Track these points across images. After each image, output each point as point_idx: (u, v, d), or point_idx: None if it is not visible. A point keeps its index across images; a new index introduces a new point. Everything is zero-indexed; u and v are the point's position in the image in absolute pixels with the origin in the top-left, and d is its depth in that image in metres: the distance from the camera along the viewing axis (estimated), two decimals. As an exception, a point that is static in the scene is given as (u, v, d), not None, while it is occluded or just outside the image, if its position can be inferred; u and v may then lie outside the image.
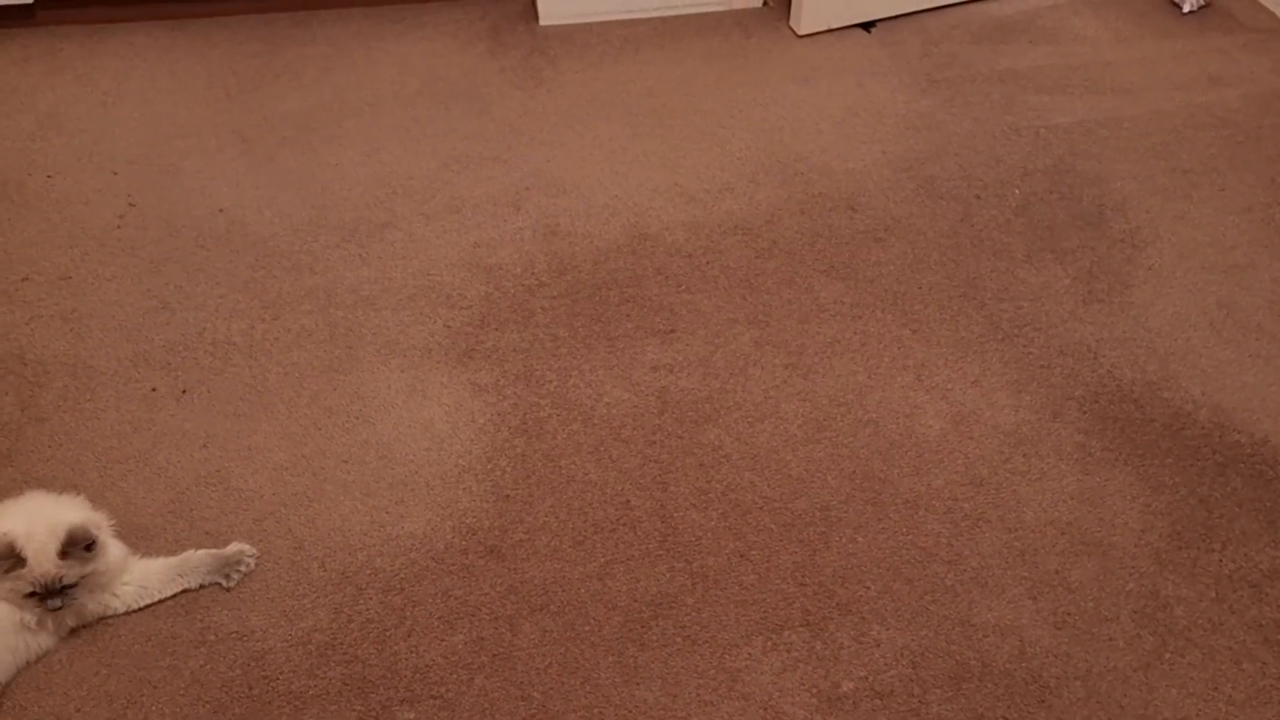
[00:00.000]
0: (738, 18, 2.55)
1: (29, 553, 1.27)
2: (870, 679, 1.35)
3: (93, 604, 1.37)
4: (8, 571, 1.27)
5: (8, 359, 1.71)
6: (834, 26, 2.51)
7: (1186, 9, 2.58)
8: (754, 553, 1.48)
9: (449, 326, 1.78)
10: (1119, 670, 1.36)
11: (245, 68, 2.35)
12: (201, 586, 1.42)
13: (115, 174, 2.07)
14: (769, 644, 1.38)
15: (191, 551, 1.44)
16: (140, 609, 1.40)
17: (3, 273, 1.86)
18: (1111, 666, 1.36)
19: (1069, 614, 1.41)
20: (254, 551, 1.45)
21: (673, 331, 1.78)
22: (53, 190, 2.03)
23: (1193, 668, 1.36)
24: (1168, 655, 1.37)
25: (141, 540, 1.47)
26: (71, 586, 1.30)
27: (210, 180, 2.06)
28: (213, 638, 1.37)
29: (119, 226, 1.96)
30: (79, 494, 1.42)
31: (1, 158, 2.11)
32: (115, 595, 1.38)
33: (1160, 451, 1.61)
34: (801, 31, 2.49)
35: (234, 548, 1.44)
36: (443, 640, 1.38)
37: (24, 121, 2.20)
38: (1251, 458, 1.60)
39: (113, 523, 1.40)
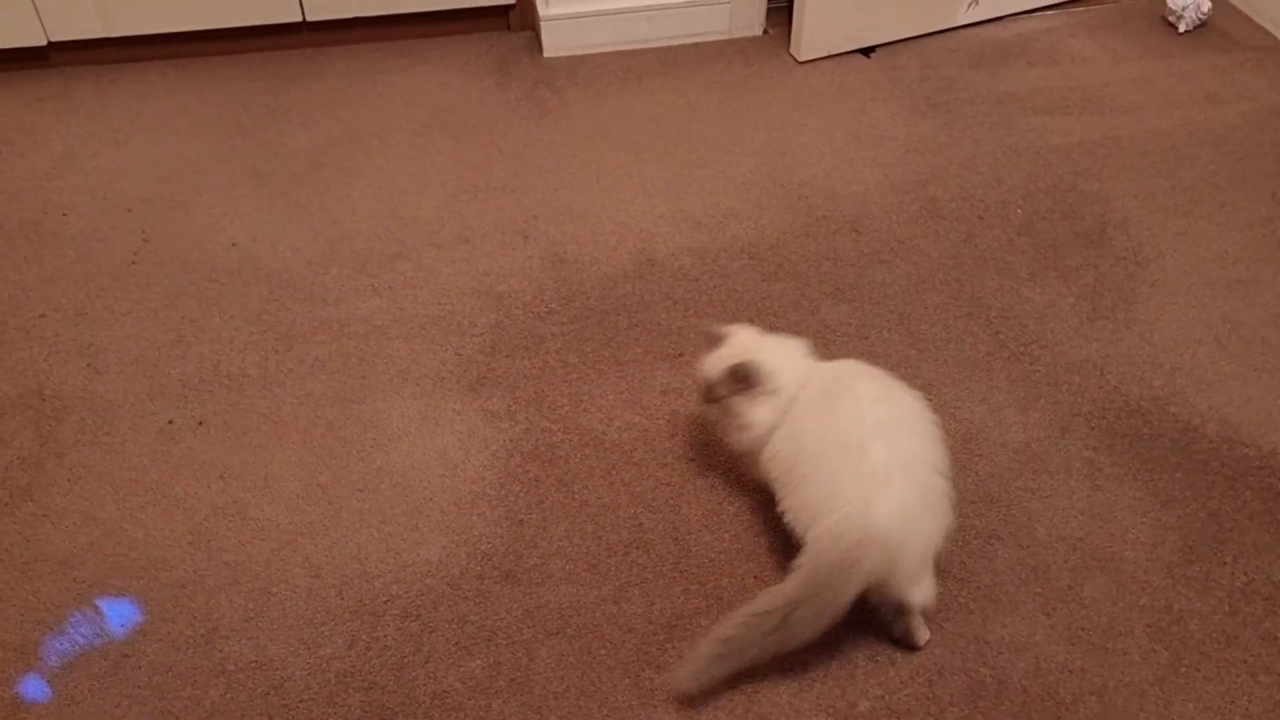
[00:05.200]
0: (739, 46, 2.59)
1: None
2: (887, 698, 1.35)
3: None
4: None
5: (26, 394, 1.74)
6: (834, 52, 2.55)
7: (1182, 29, 2.61)
8: (767, 574, 1.48)
9: (460, 354, 1.80)
10: (1134, 685, 1.36)
11: (256, 104, 2.39)
12: None
13: (129, 211, 2.11)
14: (784, 664, 1.38)
15: None
16: None
17: (20, 309, 1.89)
18: (1126, 681, 1.37)
19: (1083, 629, 1.42)
20: None
21: (681, 355, 1.80)
22: (68, 228, 2.07)
23: (1208, 681, 1.36)
24: (1183, 669, 1.38)
25: (160, 571, 1.49)
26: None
27: (223, 216, 2.10)
28: (232, 667, 1.38)
29: (133, 262, 1.99)
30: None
31: (18, 197, 2.14)
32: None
33: (1169, 466, 1.62)
34: (802, 58, 2.52)
35: None
36: (460, 666, 1.39)
37: (39, 161, 2.23)
38: (1260, 470, 1.61)
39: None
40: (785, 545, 1.51)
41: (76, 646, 1.39)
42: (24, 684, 1.35)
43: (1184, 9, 2.59)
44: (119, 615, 1.43)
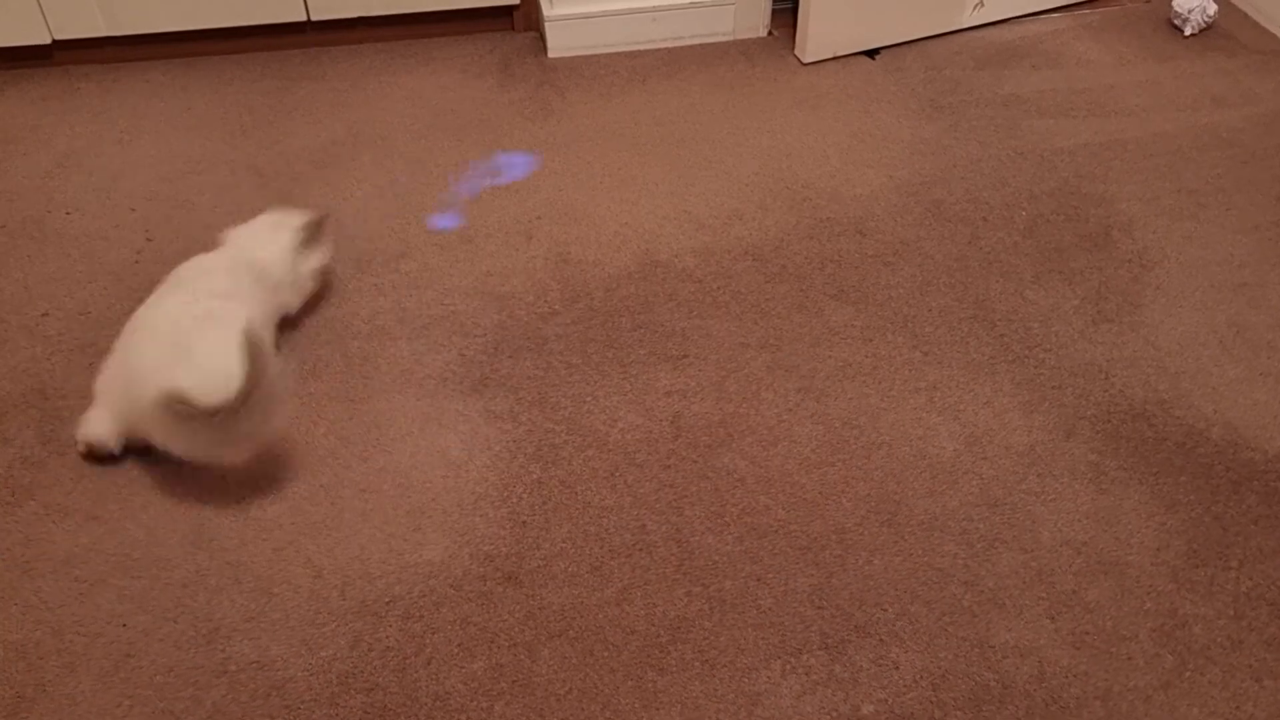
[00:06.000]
0: (743, 47, 2.59)
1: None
2: (890, 702, 1.34)
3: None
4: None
5: (29, 393, 1.74)
6: (838, 54, 2.55)
7: (1188, 32, 2.61)
8: (770, 576, 1.48)
9: (464, 355, 1.80)
10: (1139, 689, 1.36)
11: (259, 104, 2.39)
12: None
13: (132, 210, 2.10)
14: (788, 667, 1.38)
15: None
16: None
17: (23, 308, 1.89)
18: (1131, 686, 1.36)
19: (1087, 634, 1.41)
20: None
21: (685, 357, 1.80)
22: (71, 227, 2.06)
23: (1213, 686, 1.36)
24: (1188, 674, 1.37)
25: (162, 571, 1.48)
26: None
27: (226, 215, 2.09)
28: (234, 668, 1.38)
29: (137, 261, 1.99)
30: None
31: (21, 196, 2.14)
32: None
33: (1174, 469, 1.62)
34: (806, 59, 2.52)
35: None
36: (462, 667, 1.38)
37: (43, 160, 2.23)
38: (1265, 474, 1.61)
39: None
40: (787, 548, 1.51)
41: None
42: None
43: (1190, 12, 2.59)
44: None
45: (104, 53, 2.50)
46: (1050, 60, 2.54)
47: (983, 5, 2.61)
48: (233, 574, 1.48)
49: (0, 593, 1.46)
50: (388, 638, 1.41)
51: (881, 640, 1.41)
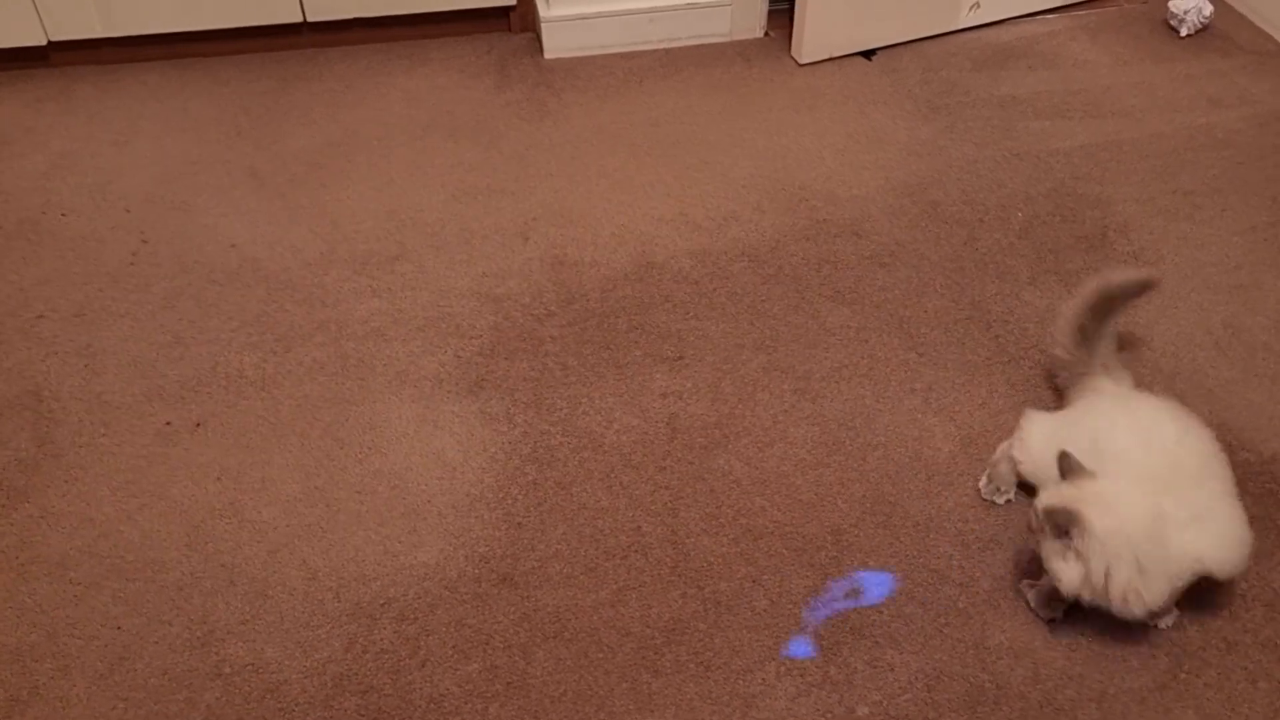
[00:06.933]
0: (740, 48, 2.59)
1: None
2: (885, 704, 1.34)
3: None
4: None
5: (24, 395, 1.73)
6: (835, 55, 2.55)
7: (1184, 33, 2.61)
8: (766, 577, 1.48)
9: (459, 356, 1.80)
10: (1134, 691, 1.36)
11: (256, 105, 2.39)
12: None
13: (128, 212, 2.10)
14: (783, 669, 1.38)
15: None
16: None
17: (18, 310, 1.89)
18: (1126, 688, 1.36)
19: (1082, 635, 1.41)
20: None
21: (681, 358, 1.80)
22: (67, 228, 2.06)
23: (1208, 688, 1.36)
24: (1182, 676, 1.37)
25: (157, 573, 1.48)
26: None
27: (222, 217, 2.09)
28: (228, 670, 1.38)
29: (132, 263, 1.98)
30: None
31: (16, 197, 2.14)
32: None
33: (1170, 471, 1.61)
34: (803, 60, 2.52)
35: None
36: (457, 669, 1.38)
37: (38, 161, 2.23)
38: (1260, 475, 1.61)
39: None
40: (782, 549, 1.51)
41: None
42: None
43: (1186, 13, 2.59)
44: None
45: (100, 54, 2.49)
46: (1046, 61, 2.54)
47: (979, 6, 2.61)
48: (227, 576, 1.48)
49: (-5, 595, 1.46)
50: (383, 640, 1.41)
51: (877, 642, 1.41)
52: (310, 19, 2.48)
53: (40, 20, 2.36)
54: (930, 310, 1.89)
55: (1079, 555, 1.30)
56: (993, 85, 2.45)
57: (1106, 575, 1.30)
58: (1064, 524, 1.30)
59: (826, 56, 2.54)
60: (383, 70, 2.51)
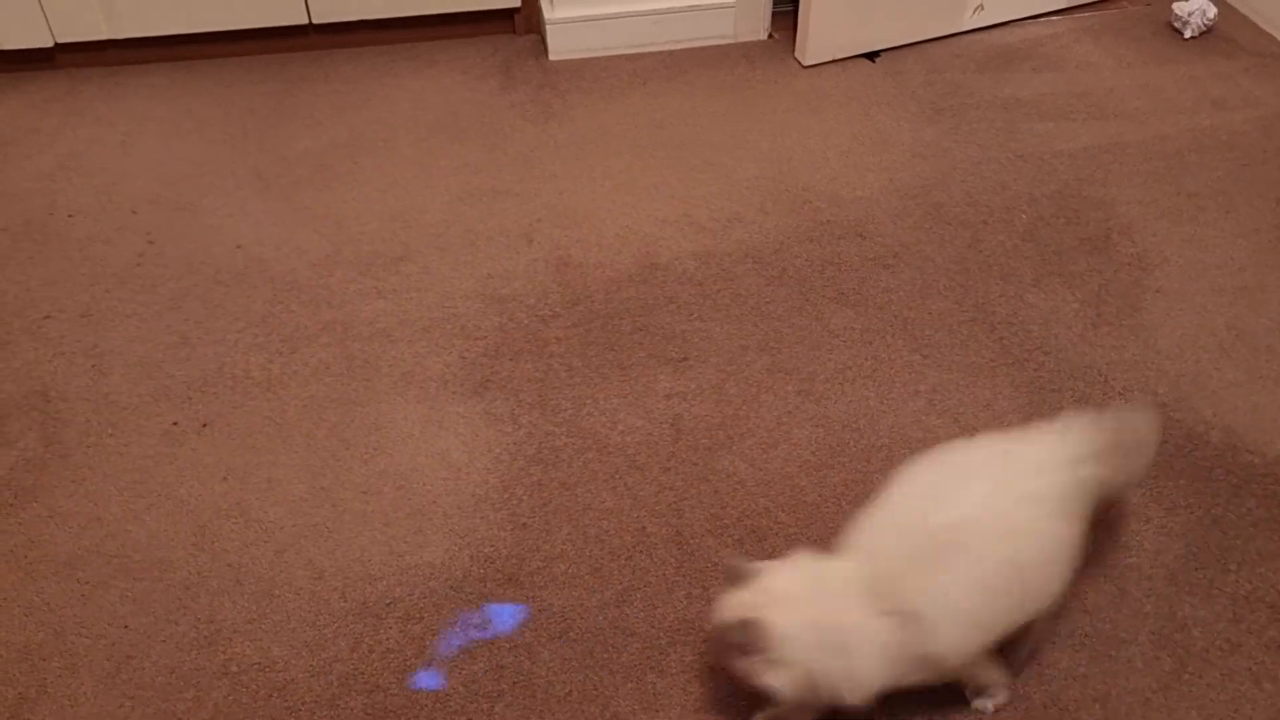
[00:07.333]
0: (744, 50, 2.59)
1: None
2: (889, 703, 1.34)
3: None
4: None
5: (31, 395, 1.74)
6: (839, 57, 2.55)
7: (1188, 35, 2.61)
8: (770, 578, 1.48)
9: (464, 357, 1.81)
10: (1138, 692, 1.36)
11: (261, 107, 2.40)
12: None
13: (134, 213, 2.11)
14: (787, 669, 1.38)
15: None
16: None
17: (25, 311, 1.90)
18: (1131, 688, 1.36)
19: (1087, 636, 1.42)
20: None
21: (685, 359, 1.80)
22: (73, 230, 2.07)
23: (1212, 689, 1.36)
24: (1186, 676, 1.37)
25: (164, 573, 1.49)
26: None
27: (228, 218, 2.10)
28: (235, 669, 1.39)
29: (138, 264, 1.99)
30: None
31: (23, 198, 2.15)
32: None
33: (1173, 473, 1.62)
34: (807, 62, 2.52)
35: None
36: (462, 669, 1.39)
37: (45, 162, 2.24)
38: (1265, 478, 1.61)
39: None
40: (787, 550, 1.51)
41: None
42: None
43: (1189, 15, 2.59)
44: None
45: (106, 56, 2.50)
46: (1050, 63, 2.54)
47: (983, 8, 2.61)
48: (234, 576, 1.49)
49: (3, 594, 1.47)
50: (389, 639, 1.42)
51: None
52: (315, 21, 2.49)
53: (47, 22, 2.37)
54: (934, 312, 1.89)
55: (776, 663, 1.17)
56: (997, 87, 2.46)
57: (813, 674, 1.18)
58: (745, 638, 1.17)
59: (830, 58, 2.54)
60: (388, 72, 2.51)
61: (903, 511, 1.26)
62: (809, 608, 1.20)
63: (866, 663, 1.19)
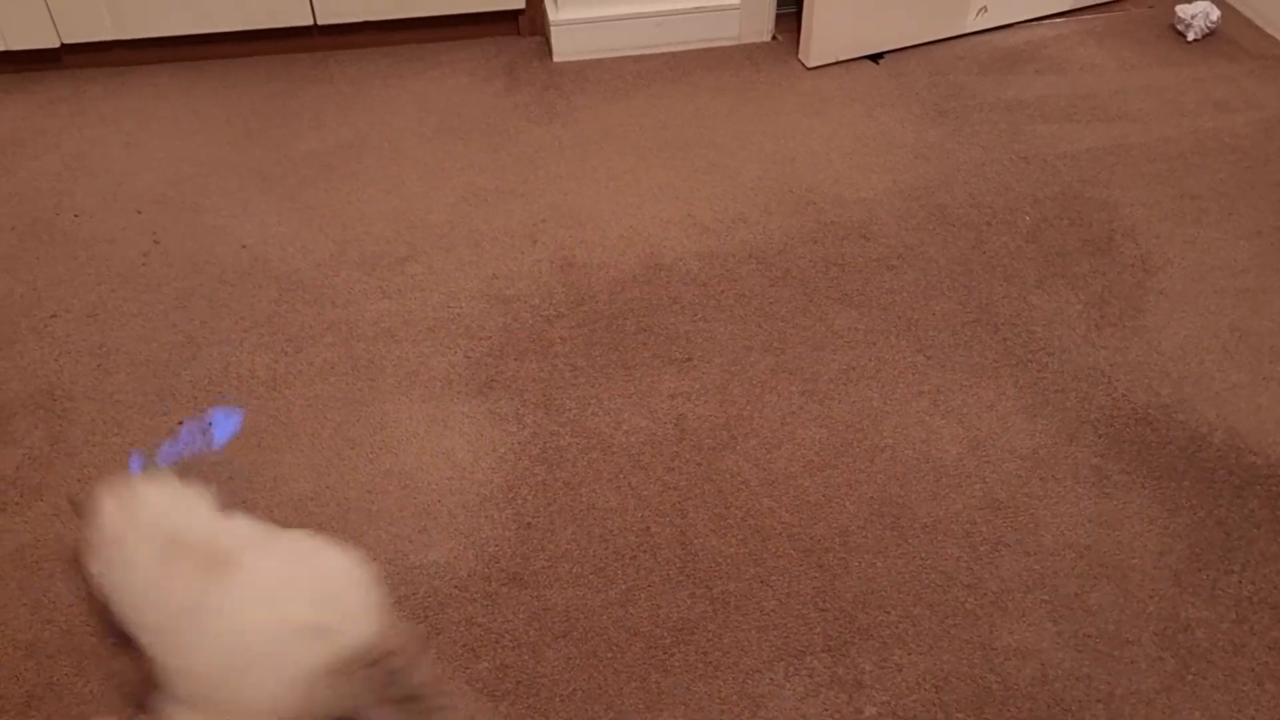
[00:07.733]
0: (748, 51, 2.60)
1: None
2: (893, 704, 1.35)
3: None
4: None
5: (37, 394, 1.75)
6: (842, 59, 2.55)
7: (1191, 37, 2.62)
8: (774, 578, 1.49)
9: (469, 357, 1.81)
10: (1141, 693, 1.36)
11: (266, 108, 2.40)
12: None
13: (140, 213, 2.12)
14: (791, 669, 1.39)
15: None
16: None
17: (32, 310, 1.90)
18: (1134, 689, 1.37)
19: (1090, 637, 1.42)
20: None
21: (689, 360, 1.80)
22: (79, 229, 2.08)
23: (1215, 690, 1.36)
24: (1190, 677, 1.38)
25: (169, 571, 1.49)
26: None
27: (233, 218, 2.11)
28: (240, 667, 1.39)
29: (144, 264, 2.00)
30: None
31: (30, 198, 2.15)
32: None
33: (1176, 474, 1.62)
34: (810, 64, 2.53)
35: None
36: (467, 668, 1.39)
37: (51, 162, 2.25)
38: (1268, 479, 1.61)
39: None
40: (790, 550, 1.52)
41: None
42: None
43: (1193, 17, 2.59)
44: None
45: (112, 56, 2.51)
46: (1054, 65, 2.54)
47: (986, 10, 2.62)
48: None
49: (10, 592, 1.47)
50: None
51: (884, 642, 1.41)
52: (320, 22, 2.49)
53: (53, 23, 2.38)
54: (938, 313, 1.89)
55: None
56: (1000, 89, 2.46)
57: None
58: None
59: (834, 60, 2.55)
60: (392, 73, 2.52)
61: None
62: None
63: None
